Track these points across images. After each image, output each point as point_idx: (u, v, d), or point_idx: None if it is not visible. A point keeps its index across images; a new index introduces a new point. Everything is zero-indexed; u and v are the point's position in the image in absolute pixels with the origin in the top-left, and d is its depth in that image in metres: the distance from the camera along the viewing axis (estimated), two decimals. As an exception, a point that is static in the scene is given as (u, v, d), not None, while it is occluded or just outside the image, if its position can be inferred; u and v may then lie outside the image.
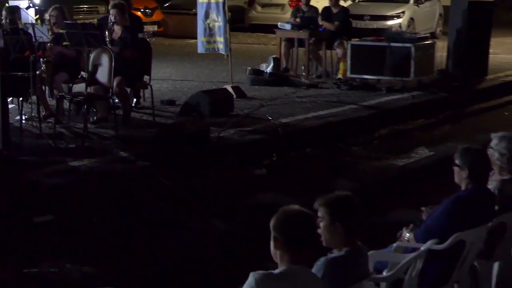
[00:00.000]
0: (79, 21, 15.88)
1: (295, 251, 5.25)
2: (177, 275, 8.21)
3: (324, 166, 12.37)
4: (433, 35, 23.99)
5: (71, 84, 13.08)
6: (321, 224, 5.64)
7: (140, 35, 14.72)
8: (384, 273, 6.52)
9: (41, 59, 12.85)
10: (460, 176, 7.11)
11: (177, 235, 9.31)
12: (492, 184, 7.43)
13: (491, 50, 19.54)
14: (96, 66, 12.82)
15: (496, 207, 7.27)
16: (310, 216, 5.35)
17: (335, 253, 5.76)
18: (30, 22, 13.51)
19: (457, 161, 7.13)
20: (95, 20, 15.62)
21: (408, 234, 7.14)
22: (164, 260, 8.60)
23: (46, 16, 14.06)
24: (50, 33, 13.60)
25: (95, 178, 10.58)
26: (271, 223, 5.24)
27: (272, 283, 5.14)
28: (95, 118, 13.00)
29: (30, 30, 12.78)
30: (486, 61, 19.15)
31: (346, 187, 9.97)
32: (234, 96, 14.90)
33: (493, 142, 7.73)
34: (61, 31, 13.44)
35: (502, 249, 7.62)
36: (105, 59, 12.76)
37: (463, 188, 7.11)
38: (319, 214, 5.61)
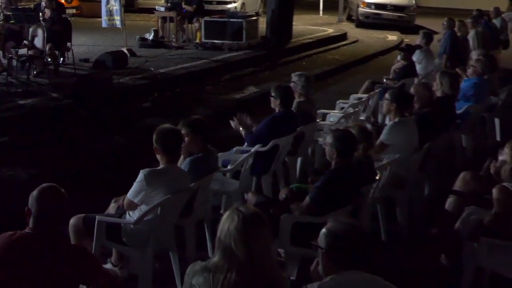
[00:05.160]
0: (21, 6, 15.30)
1: (169, 155, 5.22)
2: (96, 173, 8.11)
3: (188, 100, 12.29)
4: (257, 14, 23.88)
5: (17, 49, 12.61)
6: (185, 138, 5.61)
7: (63, 16, 14.36)
8: (229, 167, 6.55)
9: (-5, 32, 12.67)
10: (275, 103, 7.16)
11: (94, 147, 9.18)
12: (294, 105, 7.51)
13: (294, 23, 19.63)
14: (33, 37, 12.59)
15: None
16: (177, 131, 5.34)
17: (195, 155, 5.74)
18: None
19: (272, 94, 7.17)
20: (32, 6, 15.42)
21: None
22: (87, 163, 8.51)
23: (-2, 3, 13.81)
24: (1, 15, 13.46)
25: (36, 112, 10.39)
26: (153, 138, 5.21)
27: (155, 176, 5.12)
28: (34, 72, 12.60)
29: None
30: (290, 30, 19.25)
31: (202, 113, 9.92)
32: (128, 55, 14.62)
33: (294, 78, 7.83)
34: (8, 13, 13.27)
35: (302, 149, 7.74)
36: (40, 32, 12.56)
37: (276, 111, 7.17)
38: (182, 131, 5.57)
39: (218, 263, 3.41)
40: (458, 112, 8.61)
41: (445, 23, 13.75)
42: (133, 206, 5.17)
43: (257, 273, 3.37)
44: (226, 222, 3.41)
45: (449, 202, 6.11)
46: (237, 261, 3.35)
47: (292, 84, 7.74)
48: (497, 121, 9.93)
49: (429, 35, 12.68)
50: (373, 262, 3.43)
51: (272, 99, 7.18)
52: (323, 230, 3.43)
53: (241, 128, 7.13)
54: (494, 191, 4.99)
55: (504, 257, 4.96)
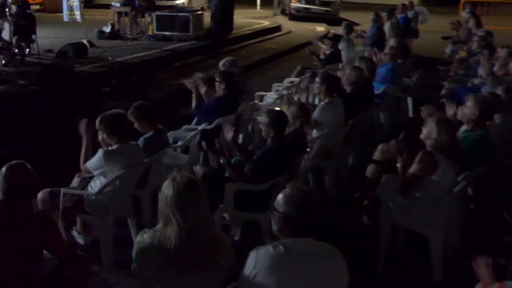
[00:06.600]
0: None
1: (118, 136, 5.15)
2: (61, 152, 7.89)
3: (142, 85, 12.14)
4: (202, 8, 23.53)
5: (-14, 42, 12.31)
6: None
7: (28, 11, 13.97)
8: (179, 143, 6.51)
9: (-35, 27, 12.25)
10: (219, 87, 7.12)
11: (58, 129, 8.95)
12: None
13: (234, 16, 19.56)
14: (1, 30, 12.22)
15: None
16: (122, 114, 5.26)
17: (147, 134, 5.69)
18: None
19: (218, 79, 7.13)
20: (-2, 2, 14.98)
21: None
22: (52, 142, 8.31)
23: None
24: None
25: (7, 96, 10.15)
26: (99, 126, 5.16)
27: (112, 155, 5.07)
28: (3, 62, 12.24)
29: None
30: (232, 22, 19.19)
31: (155, 97, 9.81)
32: (88, 46, 14.33)
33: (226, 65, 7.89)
34: (-23, 9, 12.82)
35: (243, 127, 7.72)
36: (6, 26, 12.24)
37: (221, 93, 7.13)
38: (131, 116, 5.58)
39: (161, 230, 3.37)
40: (376, 92, 8.74)
41: (374, 17, 13.91)
42: (90, 172, 5.18)
43: (194, 234, 3.32)
44: (164, 192, 3.37)
45: (369, 170, 6.20)
46: (175, 226, 3.31)
47: (223, 68, 7.85)
48: (409, 100, 10.10)
49: (350, 26, 12.81)
50: (325, 228, 3.34)
51: (217, 83, 7.14)
52: (280, 195, 3.29)
53: (193, 94, 7.10)
54: (420, 154, 5.01)
55: (415, 215, 5.07)
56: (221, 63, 8.09)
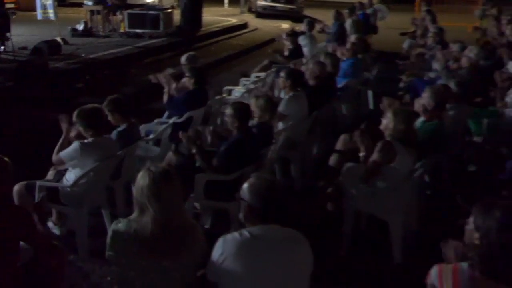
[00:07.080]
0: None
1: (94, 129, 5.10)
2: (37, 145, 7.73)
3: (115, 81, 12.01)
4: (172, 7, 23.40)
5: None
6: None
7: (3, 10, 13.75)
8: (151, 136, 6.46)
9: None
10: (189, 82, 7.08)
11: (34, 123, 8.84)
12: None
13: (203, 14, 19.54)
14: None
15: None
16: (98, 108, 5.21)
17: (120, 127, 5.64)
18: None
19: (188, 74, 7.08)
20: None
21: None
22: (28, 136, 8.17)
23: None
24: None
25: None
26: (76, 119, 5.09)
27: (88, 147, 5.02)
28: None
29: None
30: (200, 20, 19.17)
31: (127, 92, 9.73)
32: (62, 43, 14.11)
33: (186, 61, 7.82)
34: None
35: (212, 119, 7.69)
36: (-19, 24, 11.93)
37: (191, 88, 7.09)
38: (105, 108, 5.51)
39: (137, 218, 3.35)
40: (339, 86, 8.78)
41: (336, 15, 13.98)
42: (61, 163, 5.15)
43: (169, 222, 3.32)
44: (139, 182, 3.35)
45: (332, 159, 6.23)
46: (152, 213, 3.30)
47: (185, 63, 7.81)
48: (370, 93, 10.17)
49: (311, 23, 12.86)
50: (290, 215, 3.33)
51: (187, 78, 7.10)
52: (245, 184, 3.29)
53: (165, 89, 7.04)
54: (379, 144, 5.05)
55: (376, 202, 5.12)
56: (183, 58, 8.06)
